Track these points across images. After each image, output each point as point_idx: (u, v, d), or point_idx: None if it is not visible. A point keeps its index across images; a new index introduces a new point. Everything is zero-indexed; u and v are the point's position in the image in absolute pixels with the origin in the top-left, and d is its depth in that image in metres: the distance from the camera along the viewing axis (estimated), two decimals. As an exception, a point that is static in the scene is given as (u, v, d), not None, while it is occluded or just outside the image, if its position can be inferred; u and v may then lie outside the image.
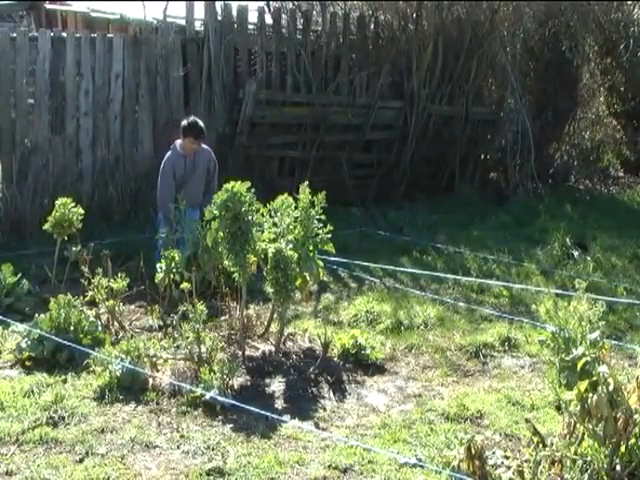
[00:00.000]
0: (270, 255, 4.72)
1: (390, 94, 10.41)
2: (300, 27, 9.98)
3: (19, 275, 5.95)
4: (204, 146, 6.88)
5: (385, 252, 7.70)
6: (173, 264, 5.37)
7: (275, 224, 5.15)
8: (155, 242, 6.38)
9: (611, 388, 3.30)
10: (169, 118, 8.59)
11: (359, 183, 10.07)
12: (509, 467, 3.55)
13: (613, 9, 11.96)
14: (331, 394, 4.60)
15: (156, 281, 5.46)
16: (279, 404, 4.44)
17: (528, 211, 9.76)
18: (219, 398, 4.21)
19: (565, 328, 4.58)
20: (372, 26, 10.42)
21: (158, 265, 5.48)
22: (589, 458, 3.34)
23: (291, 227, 5.12)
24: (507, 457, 3.72)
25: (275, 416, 4.12)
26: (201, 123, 6.73)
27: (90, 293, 5.22)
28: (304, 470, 3.66)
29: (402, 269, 7.02)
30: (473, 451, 3.42)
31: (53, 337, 4.76)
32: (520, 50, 11.63)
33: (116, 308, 5.25)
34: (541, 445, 3.57)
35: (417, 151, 10.46)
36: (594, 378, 3.45)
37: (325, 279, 5.73)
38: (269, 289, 4.90)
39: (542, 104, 11.77)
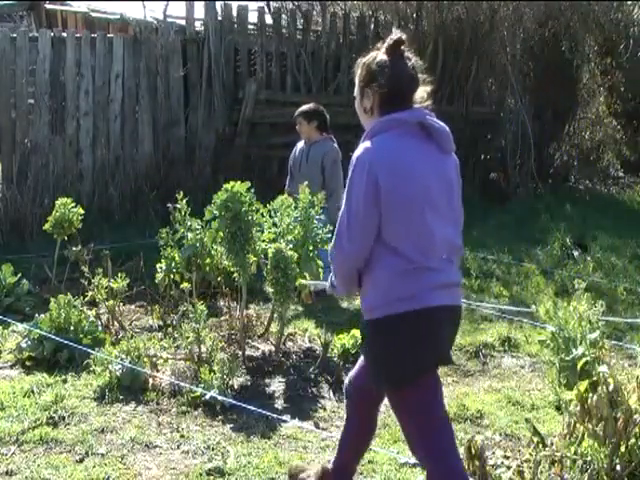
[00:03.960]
0: (270, 255, 4.72)
1: (390, 94, 10.42)
2: (300, 27, 10.00)
3: (19, 275, 5.95)
4: (325, 140, 6.45)
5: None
6: (173, 264, 5.37)
7: (275, 224, 5.15)
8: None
9: (611, 388, 3.30)
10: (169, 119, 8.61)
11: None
12: (509, 467, 3.55)
13: (613, 9, 11.98)
14: (331, 394, 4.59)
15: (156, 281, 5.46)
16: (279, 404, 4.44)
17: (528, 211, 9.76)
18: (219, 398, 4.21)
19: (565, 328, 4.60)
20: (372, 26, 10.43)
21: (158, 265, 5.45)
22: (589, 458, 3.34)
23: (291, 227, 5.11)
24: (507, 457, 3.72)
25: (275, 416, 4.12)
26: (307, 106, 6.48)
27: (90, 293, 5.21)
28: (304, 470, 3.66)
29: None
30: (473, 451, 3.41)
31: (53, 337, 4.76)
32: (520, 50, 11.64)
33: (116, 308, 5.25)
34: (541, 445, 3.57)
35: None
36: (594, 378, 3.45)
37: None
38: (269, 289, 4.90)
39: (542, 104, 11.77)
